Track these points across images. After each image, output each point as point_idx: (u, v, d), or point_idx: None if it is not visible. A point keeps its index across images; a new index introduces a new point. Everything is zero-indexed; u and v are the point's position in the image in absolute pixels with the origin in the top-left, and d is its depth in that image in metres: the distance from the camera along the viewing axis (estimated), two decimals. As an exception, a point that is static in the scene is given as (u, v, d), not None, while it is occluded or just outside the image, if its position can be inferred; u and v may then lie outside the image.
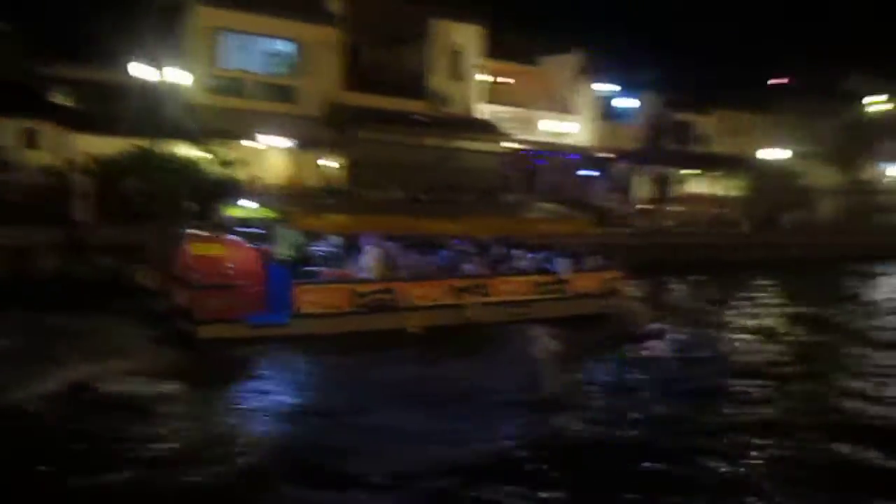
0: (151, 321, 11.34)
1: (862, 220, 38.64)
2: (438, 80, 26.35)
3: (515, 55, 30.15)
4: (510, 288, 13.65)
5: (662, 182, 33.42)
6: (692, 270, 24.28)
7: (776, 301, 20.61)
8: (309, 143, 22.46)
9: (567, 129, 29.83)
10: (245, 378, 9.98)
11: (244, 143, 21.55)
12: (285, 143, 22.10)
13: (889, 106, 46.00)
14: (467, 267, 13.76)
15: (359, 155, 22.39)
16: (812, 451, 8.31)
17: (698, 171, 34.19)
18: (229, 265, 11.34)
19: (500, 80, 30.86)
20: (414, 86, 26.04)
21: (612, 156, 29.76)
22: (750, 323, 16.50)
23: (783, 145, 38.45)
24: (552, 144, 29.04)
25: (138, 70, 19.85)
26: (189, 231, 11.99)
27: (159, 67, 20.15)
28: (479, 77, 27.53)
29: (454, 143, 24.13)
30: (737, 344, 14.17)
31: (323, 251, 12.66)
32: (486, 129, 26.43)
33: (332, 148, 22.68)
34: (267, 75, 23.23)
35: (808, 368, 12.17)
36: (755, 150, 36.94)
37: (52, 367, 9.22)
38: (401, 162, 22.07)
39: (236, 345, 10.77)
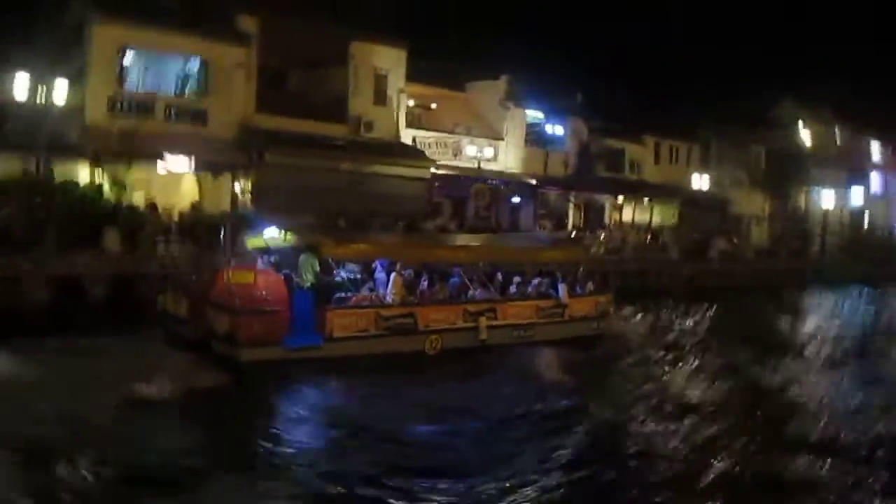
0: (185, 346, 12.27)
1: (790, 246, 39.11)
2: (361, 105, 25.60)
3: (442, 80, 29.74)
4: (516, 312, 14.88)
5: (594, 209, 33.24)
6: (621, 297, 24.01)
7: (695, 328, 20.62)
8: (219, 166, 21.41)
9: (495, 155, 29.38)
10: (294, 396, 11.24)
11: (150, 166, 20.40)
12: (194, 166, 20.99)
13: (818, 133, 47.11)
14: (476, 292, 14.84)
15: (265, 179, 21.41)
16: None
17: (630, 198, 34.10)
18: (263, 292, 12.14)
19: (427, 105, 30.43)
20: (336, 110, 25.27)
21: (534, 182, 29.32)
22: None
23: (714, 173, 38.86)
24: (480, 170, 28.53)
25: (29, 87, 18.66)
26: (224, 259, 12.96)
27: (53, 85, 18.98)
28: (404, 101, 26.90)
29: (373, 168, 23.36)
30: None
31: (342, 277, 13.51)
32: (410, 154, 25.78)
33: (242, 171, 21.68)
34: (176, 96, 22.16)
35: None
36: (687, 177, 37.17)
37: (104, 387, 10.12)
38: (311, 187, 21.14)
39: (275, 366, 11.65)
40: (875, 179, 50.34)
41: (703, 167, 38.48)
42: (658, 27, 57.56)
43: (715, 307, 24.02)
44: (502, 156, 29.87)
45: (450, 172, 26.87)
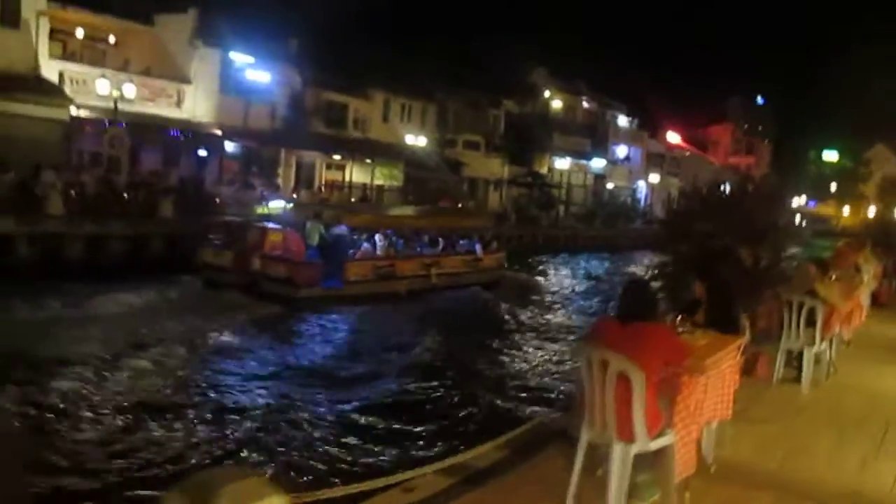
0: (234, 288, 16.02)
1: (528, 213, 38.92)
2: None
3: (119, 9, 25.43)
4: (452, 263, 19.93)
5: (304, 167, 30.59)
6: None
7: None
8: None
9: (179, 100, 25.74)
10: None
11: None
12: None
13: (565, 102, 47.79)
14: (425, 250, 19.83)
15: None
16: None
17: (349, 157, 31.81)
18: (297, 248, 16.55)
19: (104, 38, 26.06)
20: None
21: (219, 133, 25.98)
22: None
23: (450, 134, 37.68)
24: (159, 117, 24.74)
25: None
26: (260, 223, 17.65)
27: None
28: (45, 27, 22.38)
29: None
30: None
31: (339, 238, 17.27)
32: (43, 90, 21.42)
33: None
34: None
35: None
36: (419, 138, 35.55)
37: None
38: None
39: (316, 301, 15.96)
40: (619, 149, 52.33)
41: (439, 128, 37.14)
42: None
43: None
44: (189, 102, 26.22)
45: (94, 116, 22.70)
